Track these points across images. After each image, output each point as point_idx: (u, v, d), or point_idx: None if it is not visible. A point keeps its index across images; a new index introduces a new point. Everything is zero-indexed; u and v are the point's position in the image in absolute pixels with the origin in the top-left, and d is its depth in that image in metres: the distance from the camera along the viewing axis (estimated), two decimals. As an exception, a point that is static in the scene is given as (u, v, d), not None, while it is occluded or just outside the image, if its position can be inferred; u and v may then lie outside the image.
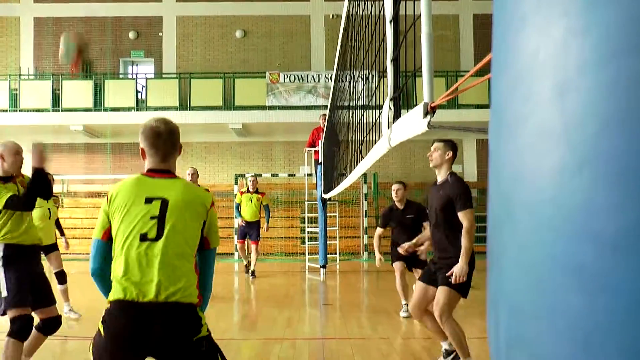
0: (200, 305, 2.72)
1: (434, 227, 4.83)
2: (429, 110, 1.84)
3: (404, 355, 5.60)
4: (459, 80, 1.85)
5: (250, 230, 11.61)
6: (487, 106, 16.40)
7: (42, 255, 7.43)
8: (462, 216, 4.48)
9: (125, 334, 2.50)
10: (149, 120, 2.95)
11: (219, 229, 3.11)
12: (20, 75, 18.89)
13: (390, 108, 2.44)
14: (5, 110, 17.75)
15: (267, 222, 11.82)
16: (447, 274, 4.52)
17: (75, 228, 17.97)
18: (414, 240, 6.01)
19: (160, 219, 2.61)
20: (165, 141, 2.87)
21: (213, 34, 19.23)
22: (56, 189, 18.62)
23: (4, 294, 4.37)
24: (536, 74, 0.59)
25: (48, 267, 7.48)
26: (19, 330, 4.30)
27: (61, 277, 7.59)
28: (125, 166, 18.70)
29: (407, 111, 2.13)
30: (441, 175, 4.84)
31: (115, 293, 2.56)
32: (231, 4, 19.12)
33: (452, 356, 4.94)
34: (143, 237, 2.57)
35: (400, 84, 2.44)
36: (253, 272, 11.77)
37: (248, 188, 11.73)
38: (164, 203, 2.66)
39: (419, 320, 5.11)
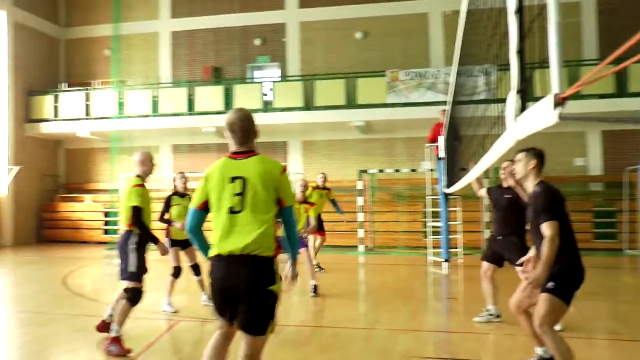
0: (276, 256, 3.48)
1: (534, 234, 4.54)
2: (559, 101, 1.75)
3: (529, 352, 5.37)
4: (586, 69, 1.74)
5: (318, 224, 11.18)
6: (612, 95, 15.34)
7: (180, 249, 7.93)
8: (544, 228, 4.28)
9: (221, 277, 3.39)
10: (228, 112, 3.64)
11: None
12: (159, 83, 20.13)
13: (516, 100, 2.35)
14: (148, 115, 19.03)
15: (342, 213, 12.61)
16: (547, 283, 4.29)
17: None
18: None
19: (243, 195, 3.44)
20: (239, 127, 3.56)
21: (334, 37, 19.43)
22: (191, 186, 19.71)
23: (132, 269, 5.73)
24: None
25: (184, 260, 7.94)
26: (134, 298, 5.67)
27: (196, 269, 7.96)
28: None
29: (531, 103, 2.05)
30: (529, 186, 4.62)
31: (214, 251, 3.47)
32: (350, 7, 19.21)
33: None
34: (231, 211, 3.45)
35: (526, 76, 2.34)
36: (318, 264, 11.52)
37: (318, 184, 11.68)
38: (244, 181, 3.45)
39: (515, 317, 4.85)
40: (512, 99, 2.39)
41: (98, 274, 12.67)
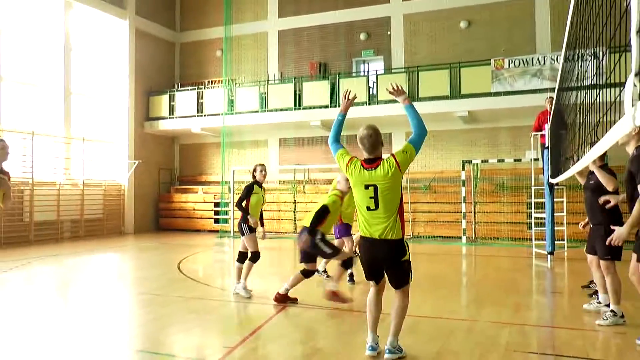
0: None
1: (630, 198, 4.47)
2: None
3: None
4: None
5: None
6: None
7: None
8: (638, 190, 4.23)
9: (367, 252, 4.74)
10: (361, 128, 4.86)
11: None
12: (267, 80, 20.47)
13: (635, 85, 2.07)
14: (257, 111, 19.43)
15: None
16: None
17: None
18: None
19: (375, 198, 4.60)
20: (368, 140, 4.74)
21: (438, 27, 18.89)
22: (299, 177, 20.02)
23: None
24: None
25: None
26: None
27: (245, 256, 7.89)
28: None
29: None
30: (630, 150, 4.52)
31: (362, 233, 4.73)
32: (455, -4, 18.63)
33: None
34: (368, 209, 4.64)
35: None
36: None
37: None
38: (375, 188, 4.60)
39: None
40: (632, 83, 2.10)
41: (209, 260, 13.09)
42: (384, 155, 4.75)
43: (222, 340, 5.65)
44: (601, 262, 6.04)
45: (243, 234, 7.79)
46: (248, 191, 7.83)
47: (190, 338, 5.73)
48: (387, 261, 4.64)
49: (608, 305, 6.18)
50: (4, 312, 7.08)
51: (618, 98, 2.63)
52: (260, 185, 7.99)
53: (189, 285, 8.93)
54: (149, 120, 21.20)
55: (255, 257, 7.84)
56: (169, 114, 20.91)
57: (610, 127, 2.85)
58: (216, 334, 5.96)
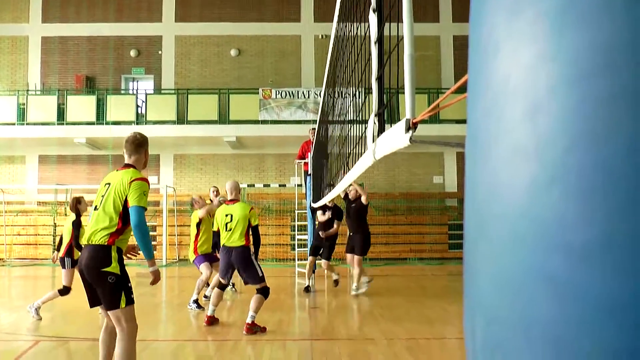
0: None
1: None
2: (411, 126, 1.84)
3: (388, 356, 5.59)
4: (440, 98, 1.85)
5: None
6: (466, 121, 16.57)
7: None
8: None
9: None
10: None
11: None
12: (27, 90, 18.77)
13: (375, 123, 2.45)
14: (14, 124, 17.61)
15: None
16: None
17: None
18: None
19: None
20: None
21: (209, 52, 19.22)
22: (60, 198, 18.59)
23: (260, 274, 7.07)
24: (509, 97, 0.59)
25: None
26: (266, 293, 7.00)
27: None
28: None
29: (391, 126, 2.14)
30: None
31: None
32: (226, 25, 19.12)
33: None
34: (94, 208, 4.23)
35: (384, 100, 2.45)
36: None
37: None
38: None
39: None
40: (372, 122, 2.48)
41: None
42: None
43: None
44: (356, 257, 9.67)
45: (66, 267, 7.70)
46: (78, 228, 7.60)
47: None
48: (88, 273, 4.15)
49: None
50: None
51: (364, 134, 3.05)
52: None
53: None
54: None
55: (67, 290, 7.79)
56: None
57: (359, 159, 3.28)
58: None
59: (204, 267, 8.75)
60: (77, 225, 7.62)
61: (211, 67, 19.21)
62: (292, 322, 7.91)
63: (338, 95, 7.03)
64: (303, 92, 17.06)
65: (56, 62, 19.58)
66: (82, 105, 17.75)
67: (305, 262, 12.46)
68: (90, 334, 6.82)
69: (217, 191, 9.56)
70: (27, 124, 17.58)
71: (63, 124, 17.52)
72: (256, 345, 6.18)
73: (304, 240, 12.67)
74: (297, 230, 13.34)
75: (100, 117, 17.45)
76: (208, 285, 9.12)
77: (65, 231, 7.73)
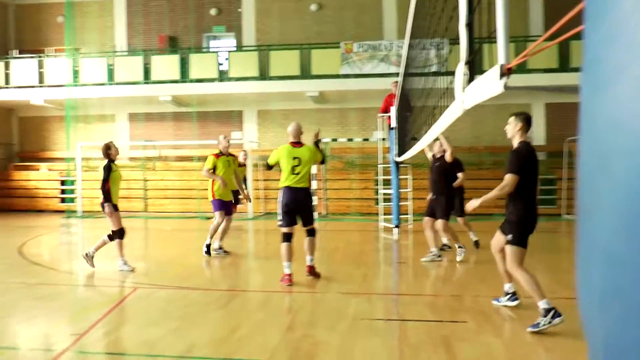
0: None
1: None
2: (505, 72, 1.76)
3: (472, 312, 5.54)
4: (532, 44, 1.75)
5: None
6: (555, 70, 15.76)
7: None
8: (505, 177, 5.04)
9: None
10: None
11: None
12: (115, 52, 19.54)
13: (464, 72, 2.36)
14: (103, 84, 18.49)
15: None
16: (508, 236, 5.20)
17: (166, 189, 18.63)
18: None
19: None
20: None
21: (289, 8, 19.16)
22: (149, 153, 19.44)
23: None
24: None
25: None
26: (315, 234, 7.46)
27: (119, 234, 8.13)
28: (210, 132, 19.12)
29: (480, 76, 2.05)
30: (514, 144, 5.18)
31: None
32: (306, -22, 18.99)
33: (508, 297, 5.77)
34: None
35: (474, 48, 2.34)
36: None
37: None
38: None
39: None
40: (461, 70, 2.39)
41: (55, 242, 12.37)
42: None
43: (69, 327, 5.43)
44: (441, 221, 8.52)
45: (106, 212, 7.88)
46: (108, 171, 7.74)
47: (35, 327, 5.45)
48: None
49: (440, 256, 8.77)
50: None
51: (451, 85, 2.95)
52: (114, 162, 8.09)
53: (32, 271, 8.40)
54: (-20, 89, 19.25)
55: (120, 234, 8.02)
56: (4, 83, 19.13)
57: (445, 111, 3.19)
58: (63, 321, 5.71)
59: (218, 214, 9.31)
60: (107, 170, 7.89)
61: (291, 23, 19.16)
62: (376, 276, 7.97)
63: (422, 47, 6.84)
64: (385, 45, 16.75)
65: (140, 23, 20.20)
66: (166, 64, 18.28)
67: (389, 217, 12.48)
68: (179, 283, 7.16)
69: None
70: (116, 83, 18.39)
71: (149, 82, 18.19)
72: (342, 299, 6.27)
73: (388, 194, 12.64)
74: (381, 185, 13.34)
75: (184, 75, 17.94)
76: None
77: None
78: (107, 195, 7.81)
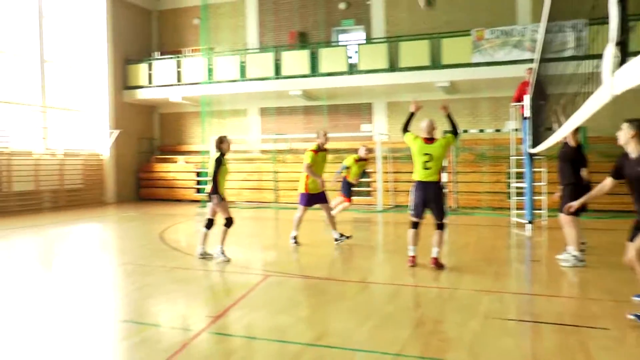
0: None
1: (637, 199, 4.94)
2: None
3: (615, 318, 5.10)
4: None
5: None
6: None
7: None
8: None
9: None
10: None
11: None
12: (246, 49, 20.29)
13: (614, 54, 2.12)
14: (236, 80, 19.30)
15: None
16: None
17: (296, 181, 19.07)
18: None
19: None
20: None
21: (419, -3, 18.80)
22: (280, 147, 20.02)
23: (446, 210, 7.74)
24: None
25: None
26: (444, 228, 7.60)
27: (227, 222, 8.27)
28: (340, 125, 19.30)
29: (634, 57, 1.83)
30: (634, 152, 4.88)
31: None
32: (436, -34, 18.50)
33: None
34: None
35: (627, 26, 2.10)
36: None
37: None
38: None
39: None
40: (610, 53, 2.16)
41: (191, 230, 13.10)
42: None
43: (205, 309, 5.72)
44: (562, 215, 7.61)
45: (214, 202, 8.14)
46: (219, 164, 8.07)
47: (174, 308, 5.79)
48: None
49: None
50: (-15, 287, 7.08)
51: (596, 69, 2.69)
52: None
53: (171, 255, 8.97)
54: (128, 89, 20.93)
55: (230, 222, 8.20)
56: (148, 83, 20.68)
57: (589, 97, 2.93)
58: (200, 303, 6.03)
59: (302, 208, 9.77)
60: (217, 163, 8.09)
61: (421, 13, 18.77)
62: (508, 274, 7.60)
63: (560, 30, 6.40)
64: (518, 30, 15.92)
65: (271, 21, 20.78)
66: (296, 60, 18.66)
67: (522, 212, 11.89)
68: (309, 272, 7.28)
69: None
70: (248, 79, 19.10)
71: (279, 78, 18.70)
72: (472, 295, 6.05)
73: (521, 188, 12.04)
74: (514, 178, 12.73)
75: (314, 69, 18.24)
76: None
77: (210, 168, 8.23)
78: (216, 187, 8.08)
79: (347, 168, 12.06)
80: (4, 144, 16.05)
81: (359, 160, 12.15)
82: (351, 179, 12.14)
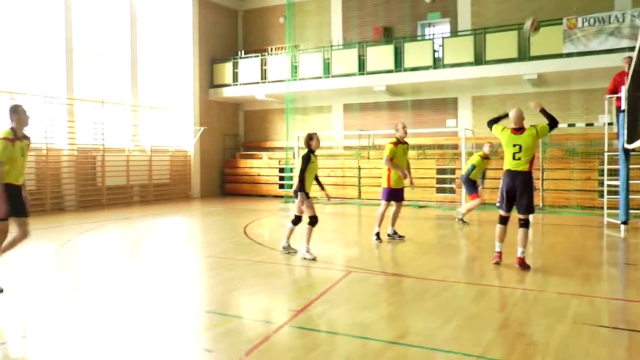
0: None
1: None
2: None
3: None
4: None
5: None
6: None
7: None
8: None
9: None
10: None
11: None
12: (331, 46, 20.33)
13: None
14: (320, 77, 19.43)
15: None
16: None
17: (379, 177, 18.95)
18: None
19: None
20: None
21: (507, -13, 18.20)
22: (363, 143, 19.97)
23: (533, 204, 7.43)
24: None
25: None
26: (528, 225, 7.32)
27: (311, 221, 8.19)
28: (424, 120, 19.00)
29: None
30: None
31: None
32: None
33: None
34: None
35: None
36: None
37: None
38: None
39: None
40: None
41: (274, 224, 13.34)
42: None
43: (287, 303, 5.80)
44: None
45: (299, 200, 8.16)
46: (307, 161, 8.03)
47: (257, 301, 5.92)
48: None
49: None
50: (82, 271, 7.53)
51: None
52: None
53: (254, 249, 9.16)
54: (213, 88, 21.61)
55: (315, 221, 8.15)
56: (233, 81, 21.24)
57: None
58: (282, 297, 6.12)
59: (384, 203, 9.80)
60: (306, 159, 8.04)
61: (509, 3, 18.16)
62: (599, 277, 7.22)
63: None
64: (616, 16, 15.00)
65: (355, 17, 20.72)
66: (380, 55, 18.53)
67: (615, 211, 11.29)
68: (392, 269, 7.24)
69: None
70: (332, 76, 19.19)
71: (364, 74, 18.65)
72: (560, 298, 5.81)
73: (615, 186, 11.43)
74: (607, 175, 12.10)
75: (398, 64, 18.04)
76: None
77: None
78: (303, 184, 8.07)
79: (474, 167, 11.69)
80: (100, 141, 16.93)
81: (485, 157, 11.80)
82: (473, 176, 11.75)
